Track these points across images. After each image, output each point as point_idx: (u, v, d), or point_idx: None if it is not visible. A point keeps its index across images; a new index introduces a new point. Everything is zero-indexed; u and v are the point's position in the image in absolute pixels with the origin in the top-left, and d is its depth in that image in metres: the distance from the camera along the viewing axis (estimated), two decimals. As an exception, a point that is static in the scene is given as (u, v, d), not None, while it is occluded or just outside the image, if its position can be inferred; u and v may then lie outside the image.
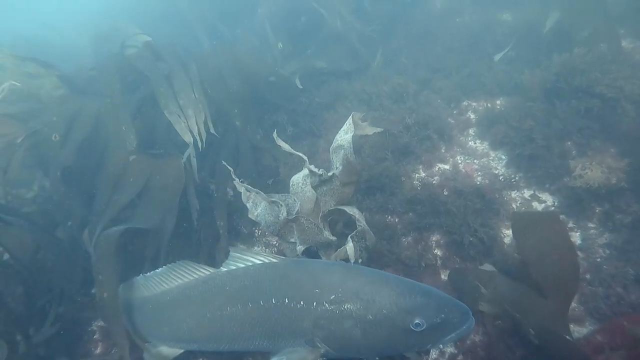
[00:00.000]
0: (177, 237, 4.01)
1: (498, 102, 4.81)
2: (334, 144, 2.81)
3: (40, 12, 13.31)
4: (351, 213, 2.78)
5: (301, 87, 5.15)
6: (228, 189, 4.39)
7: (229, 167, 3.04)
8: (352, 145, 2.73)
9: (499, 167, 4.11)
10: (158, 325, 2.96)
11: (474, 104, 4.94)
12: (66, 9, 12.39)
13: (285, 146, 2.82)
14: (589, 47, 3.92)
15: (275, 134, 2.95)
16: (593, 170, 3.41)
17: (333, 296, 2.26)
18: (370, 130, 2.86)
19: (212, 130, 4.24)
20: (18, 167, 4.35)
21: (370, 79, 5.33)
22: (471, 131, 4.63)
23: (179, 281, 2.90)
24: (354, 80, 5.38)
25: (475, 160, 4.23)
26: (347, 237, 2.84)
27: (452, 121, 4.77)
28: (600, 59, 3.82)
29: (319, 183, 2.78)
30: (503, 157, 4.17)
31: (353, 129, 2.72)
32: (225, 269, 2.74)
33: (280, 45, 5.76)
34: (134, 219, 3.93)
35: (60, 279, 3.84)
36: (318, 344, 2.34)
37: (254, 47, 6.59)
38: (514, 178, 3.93)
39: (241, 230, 4.22)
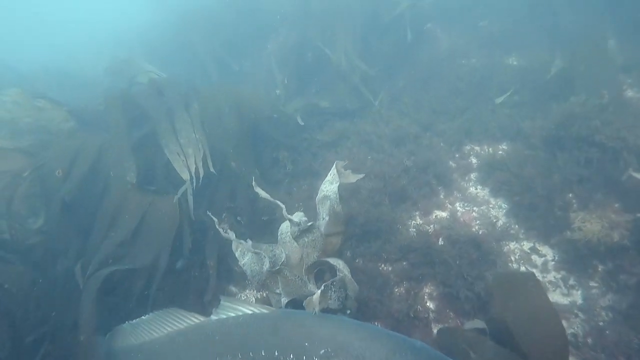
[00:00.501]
0: (169, 275, 4.01)
1: (501, 147, 4.74)
2: (320, 195, 2.79)
3: (65, 39, 13.91)
4: (334, 264, 2.72)
5: (302, 124, 5.20)
6: (223, 227, 4.40)
7: (213, 217, 3.02)
8: (338, 196, 2.71)
9: (498, 216, 4.00)
10: None
11: (477, 147, 4.87)
12: (89, 37, 12.89)
13: (263, 193, 2.81)
14: (589, 95, 3.88)
15: (253, 182, 2.94)
16: (592, 223, 3.30)
17: (323, 351, 2.23)
18: (353, 178, 2.85)
19: (211, 169, 4.29)
20: (22, 200, 4.47)
21: (372, 119, 5.33)
22: (472, 176, 4.55)
23: (167, 329, 2.86)
24: (357, 121, 5.39)
25: (474, 208, 4.14)
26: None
27: (454, 165, 4.71)
28: (600, 108, 3.76)
29: (300, 234, 2.75)
30: (504, 205, 4.08)
31: (338, 179, 2.70)
32: (215, 318, 2.71)
33: (285, 80, 5.85)
34: (128, 256, 3.95)
35: (53, 316, 3.84)
36: None
37: (261, 82, 6.74)
38: (514, 228, 3.82)
39: (234, 270, 4.18)
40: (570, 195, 3.71)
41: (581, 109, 3.74)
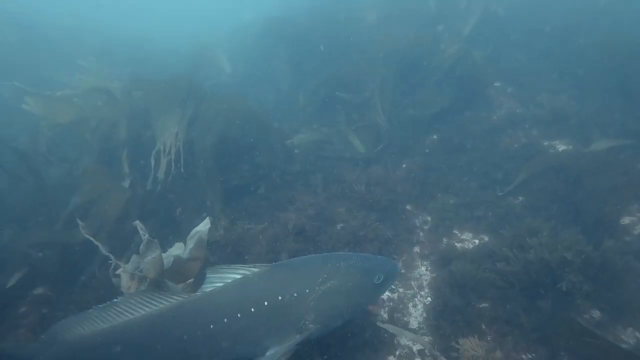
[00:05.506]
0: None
1: (482, 236, 4.59)
2: (192, 233, 3.34)
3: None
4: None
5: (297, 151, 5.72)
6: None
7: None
8: (207, 231, 3.27)
9: (417, 309, 3.91)
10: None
11: (457, 233, 4.74)
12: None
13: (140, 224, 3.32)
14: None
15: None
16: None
17: (320, 279, 2.79)
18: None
19: (182, 170, 5.06)
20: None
21: (369, 177, 5.37)
22: (433, 258, 4.44)
23: (145, 310, 2.84)
24: (354, 172, 5.53)
25: (400, 289, 4.09)
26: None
27: (417, 249, 4.62)
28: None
29: (145, 251, 3.19)
30: (428, 301, 3.96)
31: (209, 224, 3.32)
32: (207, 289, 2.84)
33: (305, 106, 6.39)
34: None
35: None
36: (309, 326, 2.73)
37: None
38: (422, 329, 3.72)
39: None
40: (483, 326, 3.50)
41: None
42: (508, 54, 7.30)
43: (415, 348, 3.51)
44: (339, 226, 4.72)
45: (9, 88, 7.51)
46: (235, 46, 10.03)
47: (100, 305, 2.94)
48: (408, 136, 6.20)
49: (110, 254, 3.35)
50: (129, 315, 2.85)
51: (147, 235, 3.20)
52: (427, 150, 5.96)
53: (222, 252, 4.34)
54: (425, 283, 4.18)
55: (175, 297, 2.85)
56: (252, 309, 2.71)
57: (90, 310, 2.97)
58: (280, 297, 2.72)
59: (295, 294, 2.73)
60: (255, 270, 2.85)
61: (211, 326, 2.72)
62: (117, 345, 2.82)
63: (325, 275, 2.80)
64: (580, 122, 5.73)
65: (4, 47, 9.37)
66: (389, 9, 7.93)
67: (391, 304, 3.96)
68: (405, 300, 4.00)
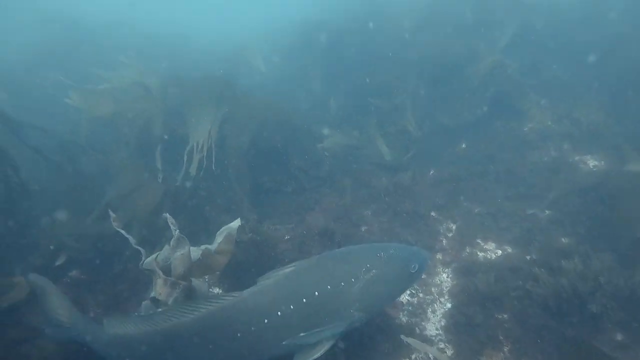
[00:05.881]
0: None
1: (504, 247, 4.62)
2: (222, 229, 3.50)
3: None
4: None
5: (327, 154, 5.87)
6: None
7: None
8: (237, 228, 3.43)
9: (436, 315, 3.99)
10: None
11: (481, 242, 4.78)
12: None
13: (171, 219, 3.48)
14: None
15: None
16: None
17: (364, 268, 2.96)
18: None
19: (213, 168, 5.28)
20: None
21: (396, 185, 5.47)
22: (454, 266, 4.52)
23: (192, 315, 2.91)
24: (380, 180, 5.67)
25: (420, 294, 4.18)
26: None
27: (439, 256, 4.67)
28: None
29: (175, 245, 3.36)
30: (448, 306, 4.03)
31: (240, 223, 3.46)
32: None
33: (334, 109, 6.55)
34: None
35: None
36: (354, 314, 2.87)
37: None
38: (436, 335, 3.80)
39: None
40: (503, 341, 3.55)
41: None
42: (544, 67, 7.28)
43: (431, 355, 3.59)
44: (363, 228, 4.87)
45: (53, 81, 8.03)
46: (271, 48, 10.27)
47: (142, 314, 3.18)
48: (437, 144, 6.28)
49: (140, 248, 3.54)
50: (173, 320, 2.92)
51: (177, 230, 3.36)
52: (455, 159, 6.02)
53: (248, 251, 4.49)
54: (445, 290, 4.25)
55: (228, 296, 2.93)
56: (304, 300, 2.83)
57: (133, 315, 3.21)
58: (329, 287, 2.86)
59: (342, 283, 2.88)
60: (301, 264, 3.02)
61: (265, 320, 2.81)
62: (168, 345, 2.91)
63: (368, 265, 2.95)
64: (615, 141, 5.66)
65: (50, 42, 9.93)
66: (425, 16, 8.05)
67: (410, 308, 4.06)
68: (425, 306, 4.08)
